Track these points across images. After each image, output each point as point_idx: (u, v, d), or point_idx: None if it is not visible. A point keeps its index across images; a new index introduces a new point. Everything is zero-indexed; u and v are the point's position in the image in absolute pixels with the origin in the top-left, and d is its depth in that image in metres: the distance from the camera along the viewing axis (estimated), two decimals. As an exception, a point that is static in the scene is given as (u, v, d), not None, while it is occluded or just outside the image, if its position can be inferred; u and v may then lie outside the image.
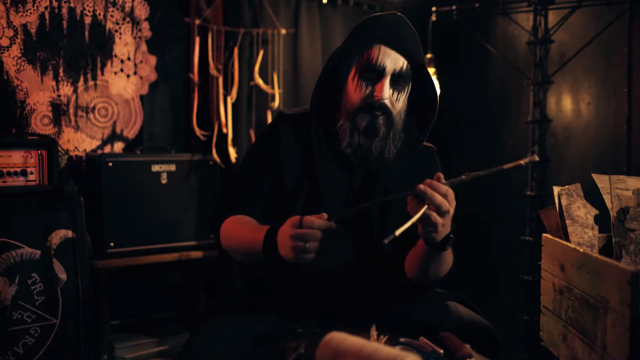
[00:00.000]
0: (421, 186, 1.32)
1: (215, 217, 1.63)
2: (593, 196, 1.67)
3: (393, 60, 1.50)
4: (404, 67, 1.52)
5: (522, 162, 1.37)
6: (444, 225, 1.34)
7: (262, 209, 1.60)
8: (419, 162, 1.67)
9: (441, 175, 1.35)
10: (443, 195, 1.31)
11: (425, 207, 1.31)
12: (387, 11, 1.60)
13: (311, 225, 1.28)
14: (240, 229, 1.53)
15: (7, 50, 2.56)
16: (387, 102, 1.51)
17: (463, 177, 1.36)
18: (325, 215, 1.30)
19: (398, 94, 1.53)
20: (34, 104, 2.64)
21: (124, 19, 2.86)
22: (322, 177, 1.58)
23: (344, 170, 1.60)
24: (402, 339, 1.31)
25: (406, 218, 1.50)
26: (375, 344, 1.10)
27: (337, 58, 1.59)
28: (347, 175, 1.61)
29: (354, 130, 1.54)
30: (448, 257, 1.51)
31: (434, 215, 1.31)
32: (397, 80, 1.52)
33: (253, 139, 3.09)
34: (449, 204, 1.32)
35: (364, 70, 1.52)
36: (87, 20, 2.76)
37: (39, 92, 2.65)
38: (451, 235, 1.39)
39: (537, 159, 1.40)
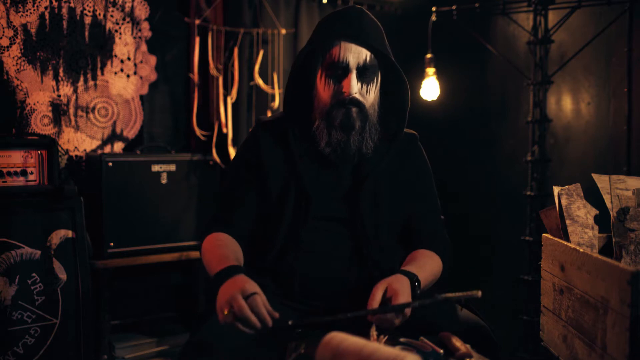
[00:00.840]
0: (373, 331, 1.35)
1: (202, 231, 1.63)
2: (593, 196, 1.67)
3: (355, 55, 1.52)
4: (368, 59, 1.53)
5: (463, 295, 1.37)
6: (404, 315, 1.37)
7: (251, 220, 1.62)
8: (402, 149, 1.69)
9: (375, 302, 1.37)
10: (392, 321, 1.35)
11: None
12: (356, 8, 1.59)
13: (256, 310, 1.25)
14: (210, 255, 1.53)
15: (7, 50, 2.56)
16: (357, 95, 1.53)
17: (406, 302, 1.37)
18: (277, 315, 1.27)
19: (367, 86, 1.55)
20: (34, 104, 2.63)
21: (124, 19, 2.86)
22: (307, 179, 1.59)
23: (330, 169, 1.61)
24: (402, 339, 1.32)
25: (397, 214, 1.60)
26: (375, 344, 1.10)
27: (304, 59, 1.60)
28: (334, 173, 1.61)
29: (331, 127, 1.55)
30: (434, 270, 1.56)
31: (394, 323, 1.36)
32: (364, 73, 1.54)
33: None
34: (397, 319, 1.36)
35: (329, 69, 1.54)
36: (87, 20, 2.76)
37: (39, 92, 2.65)
38: (416, 284, 1.43)
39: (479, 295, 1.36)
